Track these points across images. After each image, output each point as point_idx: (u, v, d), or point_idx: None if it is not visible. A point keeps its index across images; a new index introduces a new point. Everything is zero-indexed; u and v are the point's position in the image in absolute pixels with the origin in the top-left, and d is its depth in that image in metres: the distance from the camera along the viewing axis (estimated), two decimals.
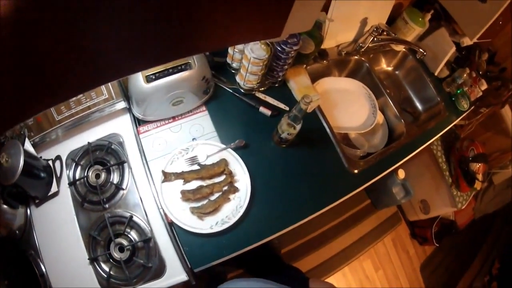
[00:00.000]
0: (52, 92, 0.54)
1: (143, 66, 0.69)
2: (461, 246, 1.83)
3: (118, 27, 0.45)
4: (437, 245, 1.79)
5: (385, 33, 1.26)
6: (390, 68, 1.41)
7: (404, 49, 1.41)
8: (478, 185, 1.73)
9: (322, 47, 1.17)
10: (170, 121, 0.99)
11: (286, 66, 1.02)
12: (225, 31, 0.56)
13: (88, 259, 0.92)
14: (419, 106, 1.42)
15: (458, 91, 1.41)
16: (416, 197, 1.68)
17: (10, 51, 0.40)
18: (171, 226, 0.92)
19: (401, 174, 1.37)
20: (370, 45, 1.25)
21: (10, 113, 0.54)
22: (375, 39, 1.24)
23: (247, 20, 0.53)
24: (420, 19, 1.30)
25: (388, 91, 1.25)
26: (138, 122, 1.00)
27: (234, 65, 1.05)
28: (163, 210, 0.91)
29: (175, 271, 0.91)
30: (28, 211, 0.99)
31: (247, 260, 1.44)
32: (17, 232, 0.97)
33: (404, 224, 1.88)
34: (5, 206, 0.94)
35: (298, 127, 0.93)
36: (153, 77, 0.90)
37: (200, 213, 0.90)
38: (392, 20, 1.37)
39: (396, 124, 1.27)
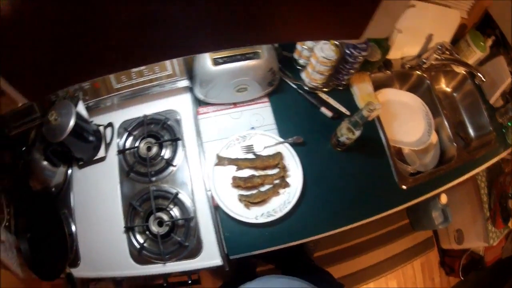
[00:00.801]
0: (115, 59, 0.54)
1: (213, 47, 0.69)
2: (484, 284, 1.76)
3: (195, 5, 0.45)
4: (462, 278, 1.74)
5: (448, 52, 1.23)
6: (448, 89, 1.37)
7: (464, 72, 1.36)
8: (511, 224, 1.66)
9: (388, 57, 1.15)
10: (231, 106, 0.99)
11: (352, 70, 1.00)
12: (306, 25, 0.55)
13: (124, 227, 0.93)
14: (471, 132, 1.38)
15: (510, 124, 1.36)
16: (453, 225, 1.63)
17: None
18: (216, 210, 0.92)
19: (444, 199, 1.33)
20: (433, 62, 1.22)
21: (69, 73, 0.55)
22: (439, 57, 1.21)
23: (331, 17, 0.53)
24: (482, 43, 1.26)
25: (445, 112, 1.22)
26: (199, 102, 1.00)
27: (301, 61, 1.04)
28: (211, 192, 0.91)
29: (211, 255, 0.90)
30: (69, 171, 1.01)
31: (279, 256, 1.42)
32: (53, 189, 0.99)
33: (436, 251, 1.84)
34: (45, 163, 0.96)
35: (358, 133, 0.91)
36: (221, 61, 0.90)
37: (248, 201, 0.89)
38: (455, 40, 1.33)
39: (448, 147, 1.23)
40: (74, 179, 0.99)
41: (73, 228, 0.95)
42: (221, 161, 0.92)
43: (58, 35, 0.45)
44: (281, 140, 0.95)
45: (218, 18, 0.48)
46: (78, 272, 0.91)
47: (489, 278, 1.77)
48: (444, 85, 1.36)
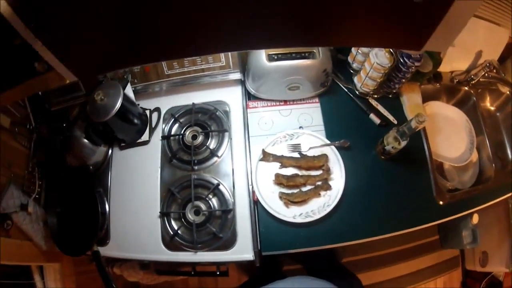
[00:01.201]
0: (175, 47, 0.54)
1: (271, 45, 0.69)
2: None
3: (258, 4, 0.45)
4: None
5: (495, 70, 1.21)
6: (492, 108, 1.34)
7: (508, 92, 1.34)
8: None
9: (438, 70, 1.13)
10: (281, 103, 0.99)
11: (403, 80, 0.99)
12: (368, 32, 0.55)
13: (160, 212, 0.94)
14: (510, 154, 1.35)
15: None
16: (479, 247, 1.60)
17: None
18: (255, 205, 0.93)
19: (475, 219, 1.31)
20: (480, 79, 1.20)
21: (125, 57, 0.55)
22: (486, 74, 1.19)
23: (394, 27, 0.53)
24: None
25: (487, 130, 1.20)
26: (249, 96, 1.01)
27: (354, 65, 1.03)
28: (253, 187, 0.91)
29: (243, 249, 0.91)
30: (110, 151, 1.02)
31: (309, 257, 1.42)
32: (91, 167, 1.00)
33: (459, 271, 1.81)
34: (86, 141, 0.97)
35: (404, 143, 0.90)
36: (275, 57, 0.90)
37: (288, 200, 0.90)
38: (501, 59, 1.31)
39: (486, 166, 1.21)
40: (114, 159, 1.01)
41: (107, 207, 0.97)
42: (266, 156, 0.92)
43: (120, 16, 0.45)
44: (328, 142, 0.94)
45: (281, 18, 0.49)
46: (106, 251, 0.93)
47: None
48: (488, 104, 1.34)
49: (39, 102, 1.00)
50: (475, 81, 1.20)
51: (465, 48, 1.18)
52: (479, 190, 1.13)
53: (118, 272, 1.15)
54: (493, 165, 1.18)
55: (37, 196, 1.01)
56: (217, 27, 0.49)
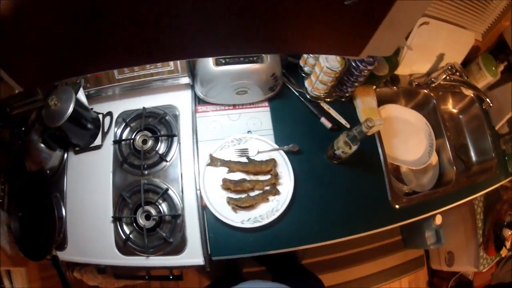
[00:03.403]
0: (121, 56, 0.53)
1: (221, 53, 0.68)
2: None
3: (203, 12, 0.44)
4: None
5: (458, 73, 1.21)
6: (455, 111, 1.34)
7: (472, 95, 1.34)
8: (504, 252, 1.64)
9: (396, 72, 1.13)
10: (230, 107, 0.98)
11: (356, 83, 0.99)
12: (305, 39, 0.54)
13: (112, 217, 0.93)
14: (473, 156, 1.36)
15: None
16: (445, 246, 1.62)
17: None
18: (203, 210, 0.92)
19: (438, 220, 1.32)
20: (441, 82, 1.20)
21: (70, 67, 0.55)
22: (448, 77, 1.19)
23: (329, 34, 0.51)
24: (493, 68, 1.24)
25: (448, 134, 1.20)
26: (198, 100, 1.00)
27: (306, 69, 1.02)
28: (200, 192, 0.90)
29: (194, 253, 0.90)
30: (65, 155, 1.01)
31: (266, 258, 1.42)
32: (48, 172, 1.00)
33: (425, 270, 1.83)
34: (42, 145, 0.97)
35: (354, 148, 0.89)
36: (223, 61, 0.89)
37: (236, 205, 0.89)
38: (466, 62, 1.31)
39: (447, 169, 1.21)
40: (69, 164, 1.00)
41: (63, 212, 0.96)
42: (213, 161, 0.91)
43: (63, 27, 0.44)
44: (276, 147, 0.94)
45: (230, 27, 0.48)
46: (64, 255, 0.92)
47: None
48: (450, 106, 1.34)
49: (0, 107, 0.98)
50: (436, 84, 1.19)
51: (426, 51, 1.18)
52: (439, 193, 1.13)
53: (79, 276, 1.14)
54: (454, 167, 1.18)
55: (0, 200, 1.00)
56: (157, 37, 0.48)
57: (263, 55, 0.89)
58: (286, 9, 0.45)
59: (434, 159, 1.18)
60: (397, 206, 1.03)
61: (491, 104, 1.17)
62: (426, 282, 1.83)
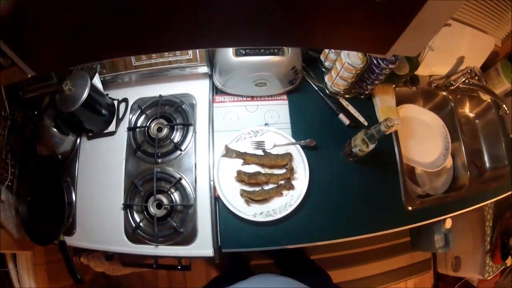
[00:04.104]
0: (141, 43, 0.52)
1: (242, 43, 0.67)
2: None
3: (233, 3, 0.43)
4: None
5: (477, 78, 1.19)
6: (471, 115, 1.32)
7: (489, 100, 1.32)
8: (509, 261, 1.63)
9: (416, 73, 1.11)
10: (248, 99, 0.97)
11: (376, 81, 0.97)
12: (334, 35, 0.52)
13: (123, 204, 0.93)
14: (487, 162, 1.34)
15: None
16: (452, 251, 1.61)
17: None
18: (216, 201, 0.91)
19: (448, 224, 1.30)
20: (460, 85, 1.18)
21: (87, 52, 0.54)
22: (467, 81, 1.17)
23: (358, 30, 0.50)
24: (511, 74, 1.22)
25: (464, 138, 1.18)
26: (216, 90, 0.99)
27: (326, 64, 1.01)
28: (214, 183, 0.90)
29: (204, 245, 0.90)
30: (78, 141, 1.01)
31: (276, 251, 1.42)
32: (59, 156, 0.99)
33: (431, 274, 1.82)
34: (54, 130, 0.97)
35: (372, 146, 0.88)
36: (243, 52, 0.88)
37: (249, 198, 0.88)
38: (485, 67, 1.29)
39: (461, 174, 1.19)
40: (81, 149, 1.00)
41: (73, 197, 0.96)
42: (229, 152, 0.90)
43: (81, 10, 0.43)
44: (293, 141, 0.92)
45: (254, 18, 0.47)
46: (72, 241, 0.92)
47: None
48: (467, 110, 1.32)
49: (14, 90, 0.99)
50: (455, 86, 1.18)
51: (446, 53, 1.16)
52: (451, 197, 1.12)
53: (85, 262, 1.15)
54: (468, 173, 1.17)
55: (9, 184, 1.00)
56: (183, 25, 0.47)
57: (284, 47, 0.88)
58: (318, 2, 0.44)
59: (449, 162, 1.17)
60: (410, 208, 1.01)
61: (507, 111, 1.16)
62: (431, 286, 1.82)
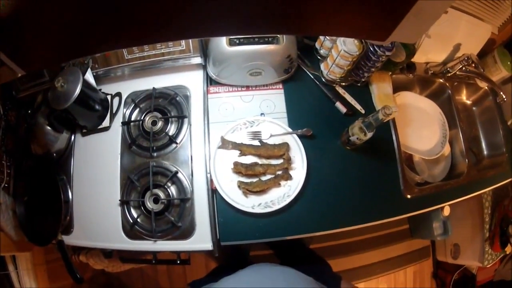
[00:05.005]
0: (132, 35, 0.51)
1: (236, 32, 0.66)
2: None
3: None
4: None
5: (473, 65, 1.18)
6: (468, 102, 1.32)
7: (486, 87, 1.31)
8: (508, 249, 1.64)
9: (412, 60, 1.10)
10: (243, 89, 0.96)
11: (373, 69, 0.96)
12: (330, 21, 0.51)
13: (120, 200, 0.92)
14: (484, 149, 1.33)
15: None
16: (451, 239, 1.62)
17: None
18: (213, 194, 0.90)
19: (446, 211, 1.30)
20: (457, 72, 1.17)
21: (76, 48, 0.52)
22: (464, 68, 1.16)
23: (358, 16, 0.49)
24: (509, 62, 1.22)
25: (461, 124, 1.17)
26: (210, 81, 0.97)
27: (322, 51, 0.99)
28: (211, 175, 0.88)
29: (202, 238, 0.89)
30: (72, 138, 1.00)
31: (275, 241, 1.42)
32: (54, 154, 0.98)
33: (430, 261, 1.83)
34: (48, 128, 0.96)
35: (369, 135, 0.87)
36: (237, 41, 0.86)
37: (247, 189, 0.87)
38: (482, 54, 1.28)
39: (459, 161, 1.19)
40: (76, 146, 0.98)
41: (70, 195, 0.95)
42: (225, 144, 0.89)
43: (69, 5, 0.42)
44: (290, 130, 0.91)
45: (248, 6, 0.45)
46: (70, 239, 0.91)
47: None
48: (464, 97, 1.31)
49: (7, 90, 0.97)
50: (451, 74, 1.17)
51: (443, 40, 1.15)
52: (450, 185, 1.12)
53: (84, 260, 1.14)
54: (466, 160, 1.16)
55: (6, 185, 0.98)
56: (175, 13, 0.46)
57: (279, 36, 0.86)
58: None
59: (447, 150, 1.16)
60: (408, 196, 1.01)
61: (505, 99, 1.15)
62: (431, 273, 1.83)
